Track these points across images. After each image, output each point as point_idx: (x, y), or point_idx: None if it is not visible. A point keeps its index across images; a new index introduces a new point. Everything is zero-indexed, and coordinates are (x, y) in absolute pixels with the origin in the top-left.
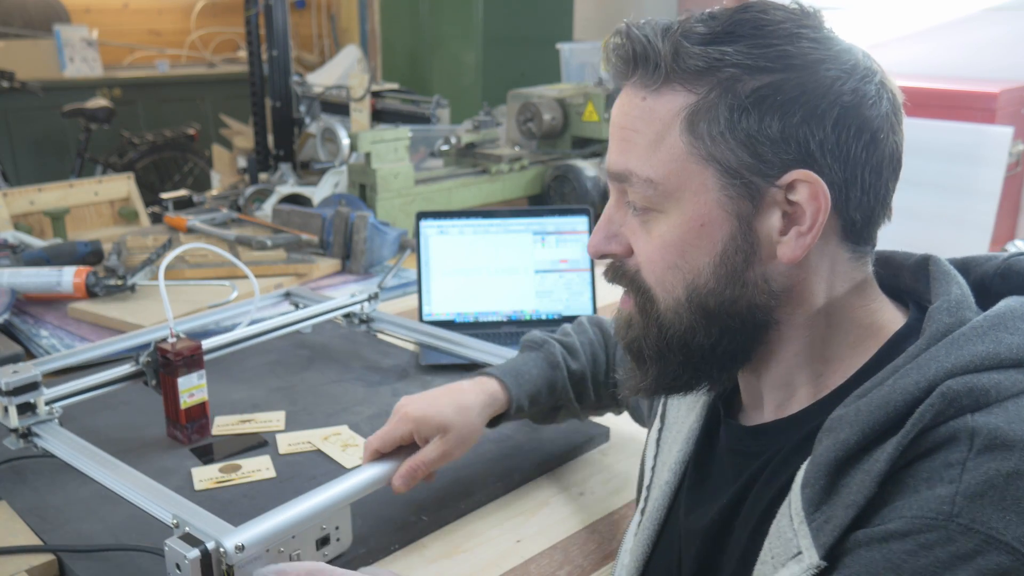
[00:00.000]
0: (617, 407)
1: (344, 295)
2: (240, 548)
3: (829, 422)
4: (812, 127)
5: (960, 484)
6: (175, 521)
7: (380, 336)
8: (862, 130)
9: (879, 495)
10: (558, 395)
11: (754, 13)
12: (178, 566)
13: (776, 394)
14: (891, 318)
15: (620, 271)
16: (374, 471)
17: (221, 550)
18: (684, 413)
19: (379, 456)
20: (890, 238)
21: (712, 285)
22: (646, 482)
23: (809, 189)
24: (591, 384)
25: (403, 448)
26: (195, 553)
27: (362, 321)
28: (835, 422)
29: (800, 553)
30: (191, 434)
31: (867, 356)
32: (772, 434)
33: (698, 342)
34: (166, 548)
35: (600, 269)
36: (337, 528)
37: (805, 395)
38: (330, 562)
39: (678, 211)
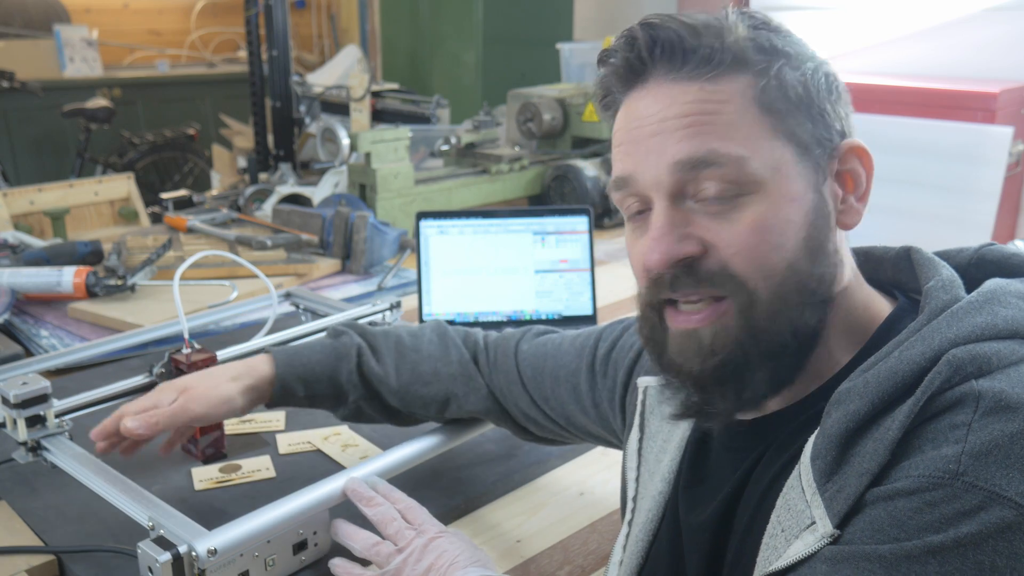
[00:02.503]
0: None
1: (344, 295)
2: (213, 552)
3: (837, 395)
4: (843, 104)
5: (966, 444)
6: (151, 523)
7: None
8: (850, 116)
9: (890, 460)
10: (345, 388)
11: (761, 16)
12: (150, 569)
13: None
14: (880, 306)
15: (696, 273)
16: (353, 477)
17: (193, 554)
18: (669, 422)
19: (106, 442)
20: (890, 238)
21: (808, 260)
22: (631, 493)
23: (861, 156)
24: (403, 395)
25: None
26: (167, 556)
27: None
28: (843, 395)
29: (814, 523)
30: (204, 448)
31: (861, 343)
32: (772, 426)
33: (806, 323)
34: (139, 551)
35: (602, 271)
36: (315, 533)
37: (801, 384)
38: (307, 567)
39: (768, 189)
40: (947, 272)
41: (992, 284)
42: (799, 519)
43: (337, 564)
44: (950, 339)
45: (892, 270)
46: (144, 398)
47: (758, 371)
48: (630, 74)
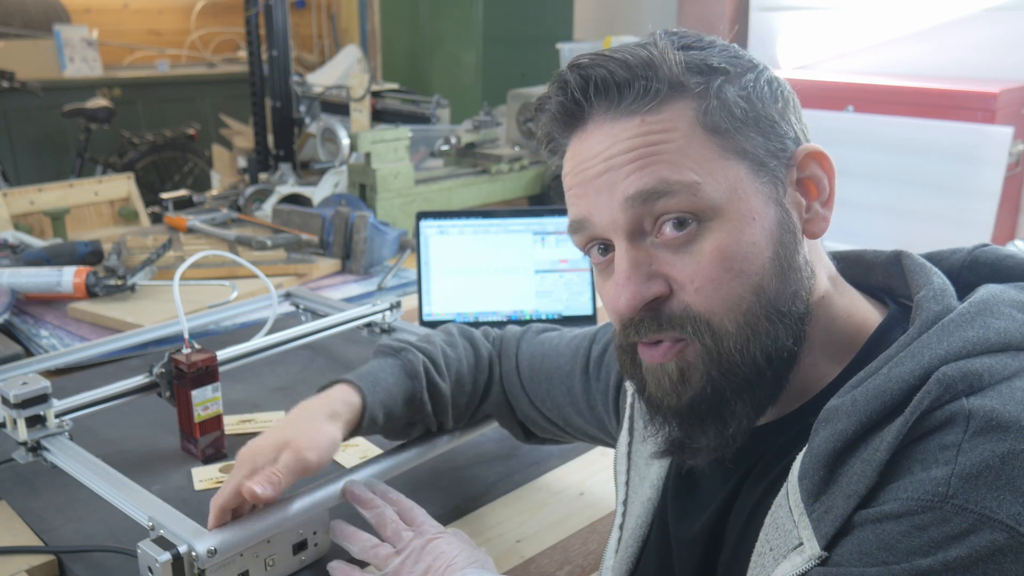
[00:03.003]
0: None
1: (344, 295)
2: (212, 552)
3: (825, 412)
4: (792, 110)
5: (956, 466)
6: (151, 523)
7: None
8: (801, 119)
9: (878, 481)
10: (415, 408)
11: (688, 35)
12: (150, 569)
13: None
14: (867, 312)
15: (659, 317)
16: (352, 477)
17: (193, 554)
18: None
19: (228, 516)
20: (890, 238)
21: (777, 280)
22: (620, 497)
23: (819, 160)
24: (451, 407)
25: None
26: (166, 556)
27: (384, 331)
28: (831, 412)
29: (801, 544)
30: (204, 448)
31: (851, 354)
32: (763, 438)
33: (781, 346)
34: (139, 551)
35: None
36: (315, 533)
37: (790, 396)
38: (307, 567)
39: (728, 213)
40: (938, 280)
41: (984, 293)
42: (787, 539)
43: (335, 567)
44: (940, 355)
45: (883, 275)
46: (241, 463)
47: (736, 404)
48: (569, 118)
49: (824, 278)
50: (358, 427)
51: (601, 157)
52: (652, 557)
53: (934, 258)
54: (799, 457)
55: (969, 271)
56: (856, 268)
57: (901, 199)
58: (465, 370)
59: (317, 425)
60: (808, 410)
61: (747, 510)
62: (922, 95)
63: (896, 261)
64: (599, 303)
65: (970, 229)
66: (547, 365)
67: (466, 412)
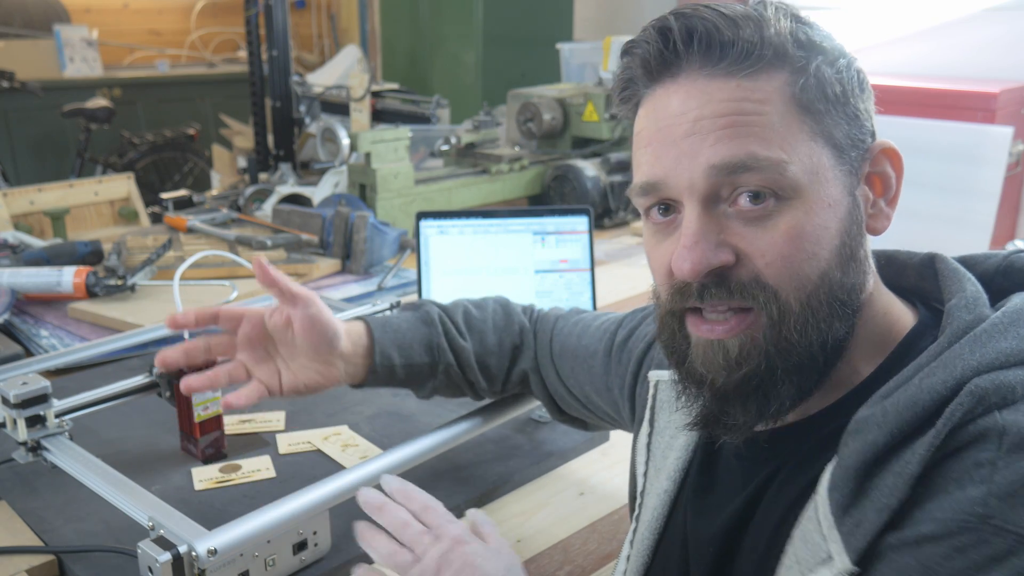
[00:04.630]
0: (501, 393)
1: (344, 295)
2: (213, 552)
3: (855, 423)
4: (871, 105)
5: (992, 484)
6: (151, 523)
7: None
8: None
9: (910, 496)
10: (435, 353)
11: (794, 7)
12: (150, 569)
13: None
14: (901, 315)
15: (727, 284)
16: (352, 477)
17: (193, 554)
18: (679, 417)
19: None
20: (891, 238)
21: (840, 270)
22: (639, 488)
23: (892, 158)
24: (477, 365)
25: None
26: (167, 556)
27: None
28: (861, 424)
29: (831, 558)
30: (204, 448)
31: (882, 355)
32: (788, 439)
33: (835, 335)
34: (139, 551)
35: (602, 271)
36: (315, 533)
37: (820, 396)
38: (307, 567)
39: (807, 195)
40: (972, 288)
41: (1019, 302)
42: (815, 552)
43: (360, 572)
44: (972, 367)
45: (915, 277)
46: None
47: (784, 385)
48: (661, 66)
49: (872, 276)
50: (370, 364)
51: (690, 116)
52: (669, 550)
53: (967, 262)
54: (828, 468)
55: (1003, 277)
56: (889, 268)
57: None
58: (489, 328)
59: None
60: (836, 411)
61: (773, 520)
62: (922, 95)
63: (930, 264)
64: (599, 303)
65: (970, 229)
66: (575, 343)
67: (498, 375)
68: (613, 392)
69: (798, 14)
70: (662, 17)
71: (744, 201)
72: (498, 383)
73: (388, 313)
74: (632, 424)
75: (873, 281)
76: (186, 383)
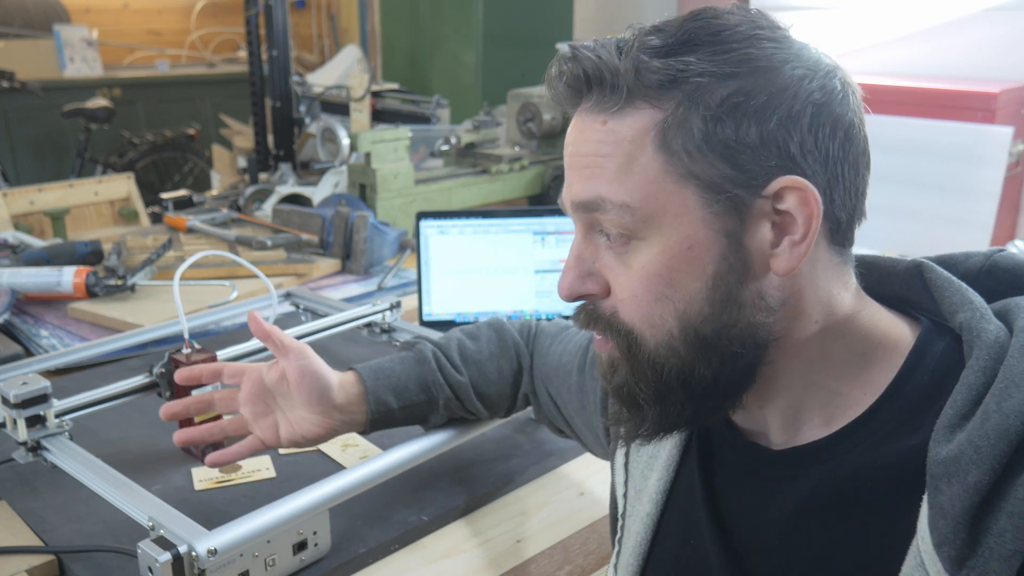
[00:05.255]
0: (504, 414)
1: (344, 295)
2: (213, 552)
3: (941, 466)
4: (789, 130)
5: None
6: (151, 523)
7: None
8: (836, 127)
9: None
10: (432, 390)
11: (707, 20)
12: (150, 569)
13: (782, 415)
14: (893, 326)
15: (593, 315)
16: (352, 477)
17: (193, 554)
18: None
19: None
20: (890, 238)
21: (707, 311)
22: (620, 510)
23: (798, 195)
24: (476, 395)
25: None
26: (166, 556)
27: (384, 331)
28: (951, 465)
29: None
30: (204, 448)
31: (890, 367)
32: (810, 457)
33: (699, 375)
34: (139, 551)
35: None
36: (315, 533)
37: (821, 416)
38: (308, 567)
39: (660, 236)
40: (977, 299)
41: None
42: None
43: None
44: None
45: (901, 286)
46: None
47: (649, 408)
48: (564, 100)
49: (844, 299)
50: (365, 414)
51: (569, 151)
52: (656, 571)
53: (947, 262)
54: (923, 519)
55: (988, 277)
56: (871, 275)
57: (901, 199)
58: (485, 357)
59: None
60: (853, 431)
61: (821, 550)
62: (922, 95)
63: (917, 273)
64: None
65: (970, 229)
66: (556, 361)
67: (500, 402)
68: (588, 408)
69: (681, 41)
70: (560, 53)
71: (612, 235)
72: (501, 410)
73: (384, 358)
74: (605, 441)
75: (850, 302)
76: (210, 457)
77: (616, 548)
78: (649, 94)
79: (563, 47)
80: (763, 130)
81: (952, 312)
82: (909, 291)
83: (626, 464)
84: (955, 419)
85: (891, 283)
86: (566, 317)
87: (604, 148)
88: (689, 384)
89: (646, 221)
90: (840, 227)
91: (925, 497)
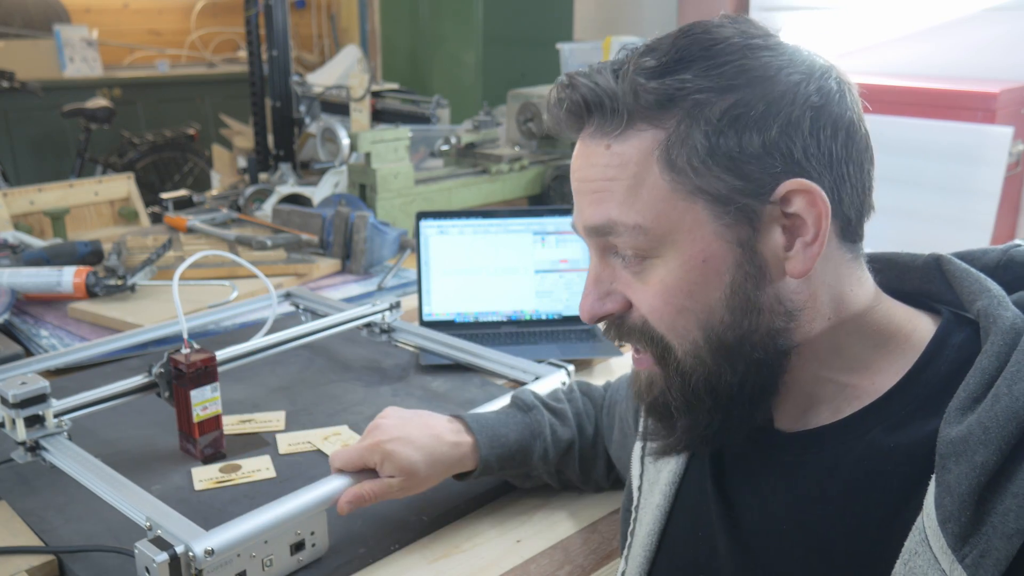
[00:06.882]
0: (594, 485)
1: (344, 295)
2: (210, 553)
3: (950, 446)
4: (791, 135)
5: None
6: (148, 523)
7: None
8: (837, 127)
9: None
10: (532, 465)
11: (697, 35)
12: (147, 569)
13: (793, 405)
14: (909, 318)
15: (624, 327)
16: (352, 477)
17: (190, 554)
18: None
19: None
20: (890, 238)
21: (728, 319)
22: (634, 502)
23: (806, 198)
24: (577, 453)
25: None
26: (163, 557)
27: (383, 331)
28: (959, 445)
29: None
30: (204, 448)
31: (905, 358)
32: (820, 441)
33: (725, 382)
34: (136, 551)
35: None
36: (312, 534)
37: (831, 406)
38: (305, 567)
39: (675, 252)
40: (995, 288)
41: None
42: None
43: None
44: None
45: (920, 280)
46: (365, 456)
47: (679, 419)
48: (566, 127)
49: (857, 295)
50: (471, 468)
51: (577, 176)
52: (669, 560)
53: (965, 258)
54: (929, 496)
55: (1005, 271)
56: (889, 272)
57: (901, 199)
58: (585, 419)
59: (437, 472)
60: (864, 416)
61: (829, 533)
62: (922, 95)
63: (935, 266)
64: None
65: (970, 229)
66: (612, 398)
67: (591, 456)
68: (629, 437)
69: (675, 60)
70: (560, 80)
71: (627, 255)
72: (592, 482)
73: (500, 413)
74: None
75: (866, 300)
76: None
77: (628, 540)
78: (649, 115)
79: (561, 78)
80: (765, 138)
81: (971, 300)
82: (929, 284)
83: (642, 457)
84: (967, 401)
85: (910, 278)
86: (552, 322)
87: (611, 172)
88: (716, 392)
89: (660, 240)
90: (850, 224)
91: (933, 476)
